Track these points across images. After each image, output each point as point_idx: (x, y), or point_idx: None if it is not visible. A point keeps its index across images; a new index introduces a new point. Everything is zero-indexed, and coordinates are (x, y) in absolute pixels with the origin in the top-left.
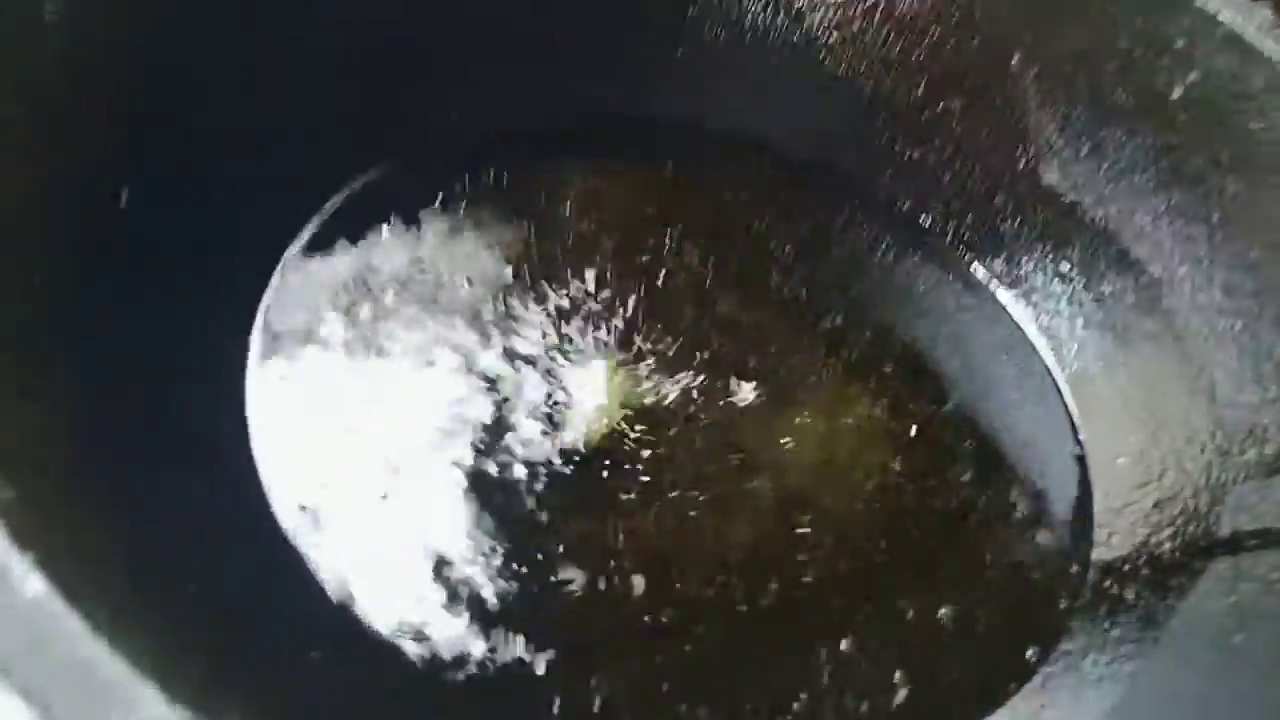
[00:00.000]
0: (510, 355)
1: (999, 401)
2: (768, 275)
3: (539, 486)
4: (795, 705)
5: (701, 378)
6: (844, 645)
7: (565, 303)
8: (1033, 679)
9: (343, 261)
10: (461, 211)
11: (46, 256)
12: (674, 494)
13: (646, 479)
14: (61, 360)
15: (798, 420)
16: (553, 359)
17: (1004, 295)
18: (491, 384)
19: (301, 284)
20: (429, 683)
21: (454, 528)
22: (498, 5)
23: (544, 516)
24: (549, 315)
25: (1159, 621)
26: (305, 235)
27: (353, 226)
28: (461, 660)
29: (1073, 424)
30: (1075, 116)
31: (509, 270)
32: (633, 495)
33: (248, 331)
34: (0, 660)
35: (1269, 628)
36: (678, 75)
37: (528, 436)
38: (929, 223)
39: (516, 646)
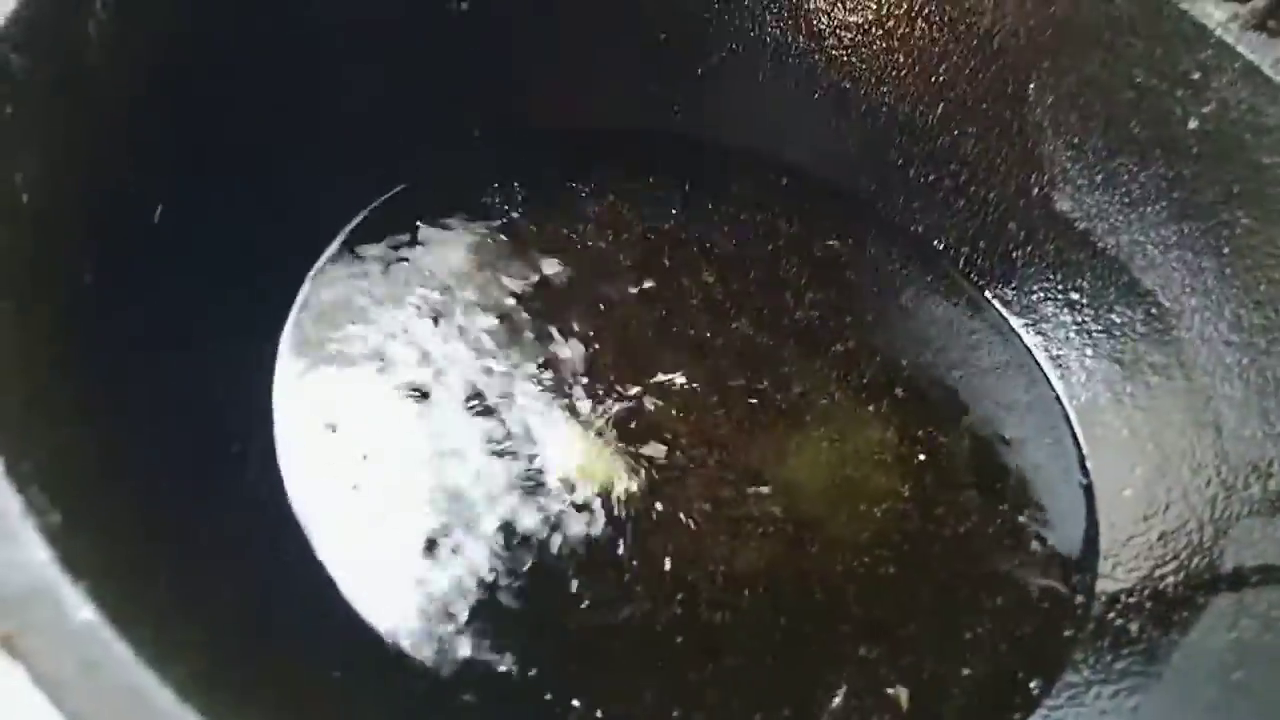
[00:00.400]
0: (524, 376)
1: (1007, 429)
2: (782, 297)
3: (555, 508)
4: None
5: (714, 399)
6: (848, 673)
7: (581, 319)
8: (1035, 711)
9: (368, 277)
10: (481, 229)
11: (80, 273)
12: (684, 517)
13: (652, 498)
14: (97, 378)
15: (808, 444)
16: (566, 378)
17: (1015, 323)
18: (506, 403)
19: (329, 298)
20: (445, 701)
21: (478, 548)
22: (517, 25)
23: (559, 538)
24: (564, 334)
25: (1162, 656)
26: (334, 248)
27: (377, 241)
28: (477, 680)
29: (1080, 454)
30: (1089, 145)
31: (524, 287)
32: (643, 517)
33: (276, 345)
34: (52, 684)
35: (1269, 665)
36: (697, 94)
37: (544, 460)
38: (942, 247)
39: (529, 670)
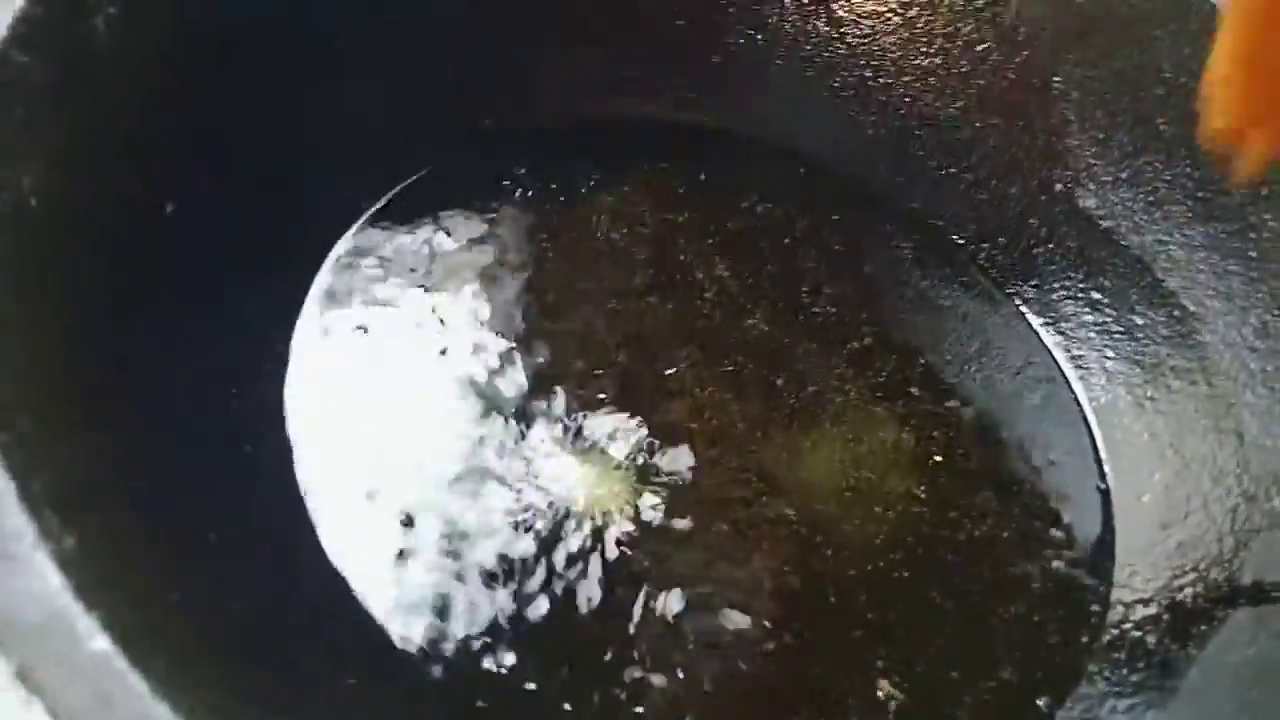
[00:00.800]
0: (533, 368)
1: (1025, 431)
2: (797, 291)
3: (564, 507)
4: None
5: (727, 396)
6: (860, 679)
7: (593, 311)
8: None
9: (383, 267)
10: (493, 218)
11: (89, 278)
12: (694, 518)
13: (665, 499)
14: (107, 387)
15: (822, 444)
16: (575, 372)
17: (1035, 321)
18: (517, 396)
19: (343, 289)
20: (462, 709)
21: (488, 546)
22: (531, 10)
23: (568, 542)
24: (574, 326)
25: (1179, 669)
26: (348, 239)
27: (391, 232)
28: (494, 690)
29: (1098, 458)
30: (1115, 141)
31: (536, 277)
32: (651, 519)
33: (289, 341)
34: (69, 716)
35: None
36: (713, 83)
37: (552, 453)
38: (963, 242)
39: (547, 680)
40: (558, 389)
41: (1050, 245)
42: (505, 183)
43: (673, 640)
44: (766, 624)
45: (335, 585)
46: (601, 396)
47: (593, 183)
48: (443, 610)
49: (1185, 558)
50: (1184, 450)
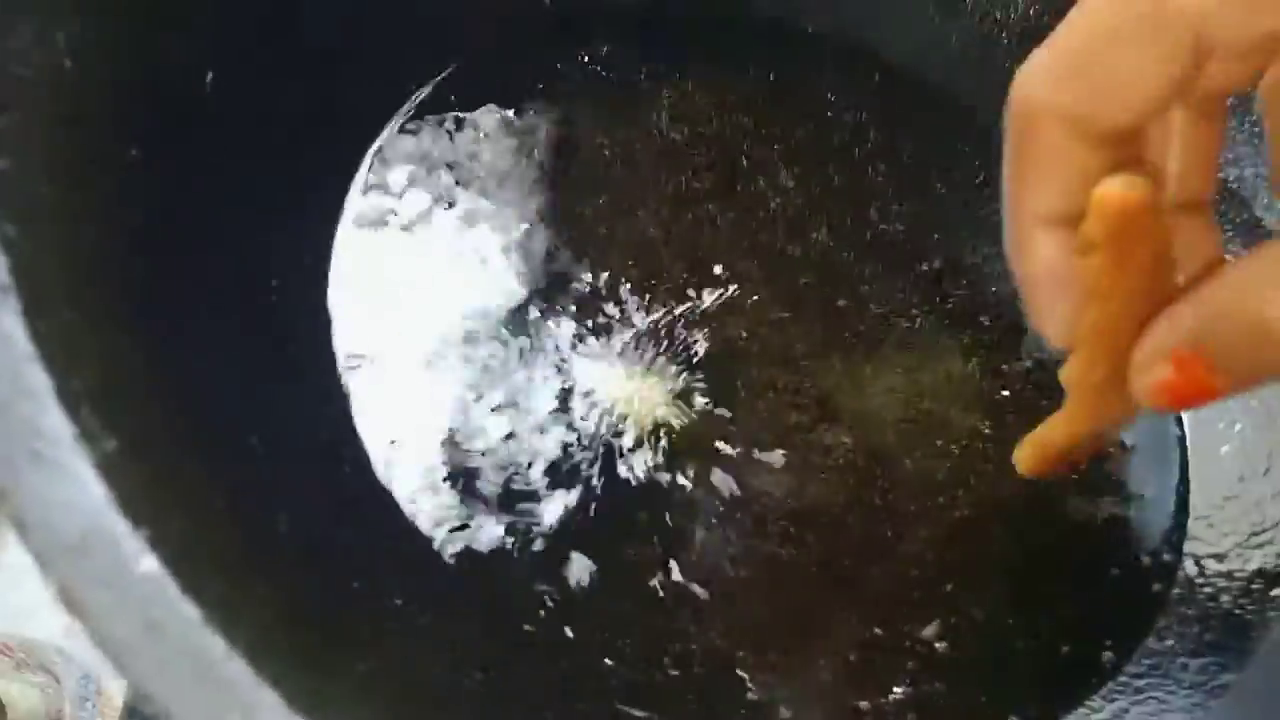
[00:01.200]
0: (581, 282)
1: None
2: (866, 207)
3: (611, 434)
4: (862, 682)
5: (786, 316)
6: (914, 621)
7: (648, 220)
8: (1115, 678)
9: (428, 156)
10: (544, 114)
11: (125, 149)
12: (748, 444)
13: (716, 421)
14: (145, 271)
15: (885, 371)
16: (627, 284)
17: None
18: (565, 305)
19: (389, 177)
20: (508, 628)
21: (534, 460)
22: None
23: (617, 467)
24: (627, 236)
25: (1255, 632)
26: (395, 122)
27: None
28: (541, 609)
29: None
30: None
31: (589, 180)
32: (705, 443)
33: (332, 234)
34: (116, 647)
35: None
36: None
37: (600, 367)
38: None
39: (593, 607)
40: (607, 300)
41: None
42: (560, 73)
43: (717, 566)
44: (817, 557)
45: (381, 498)
46: (653, 309)
47: (654, 77)
48: (488, 524)
49: (1263, 514)
50: (1269, 401)
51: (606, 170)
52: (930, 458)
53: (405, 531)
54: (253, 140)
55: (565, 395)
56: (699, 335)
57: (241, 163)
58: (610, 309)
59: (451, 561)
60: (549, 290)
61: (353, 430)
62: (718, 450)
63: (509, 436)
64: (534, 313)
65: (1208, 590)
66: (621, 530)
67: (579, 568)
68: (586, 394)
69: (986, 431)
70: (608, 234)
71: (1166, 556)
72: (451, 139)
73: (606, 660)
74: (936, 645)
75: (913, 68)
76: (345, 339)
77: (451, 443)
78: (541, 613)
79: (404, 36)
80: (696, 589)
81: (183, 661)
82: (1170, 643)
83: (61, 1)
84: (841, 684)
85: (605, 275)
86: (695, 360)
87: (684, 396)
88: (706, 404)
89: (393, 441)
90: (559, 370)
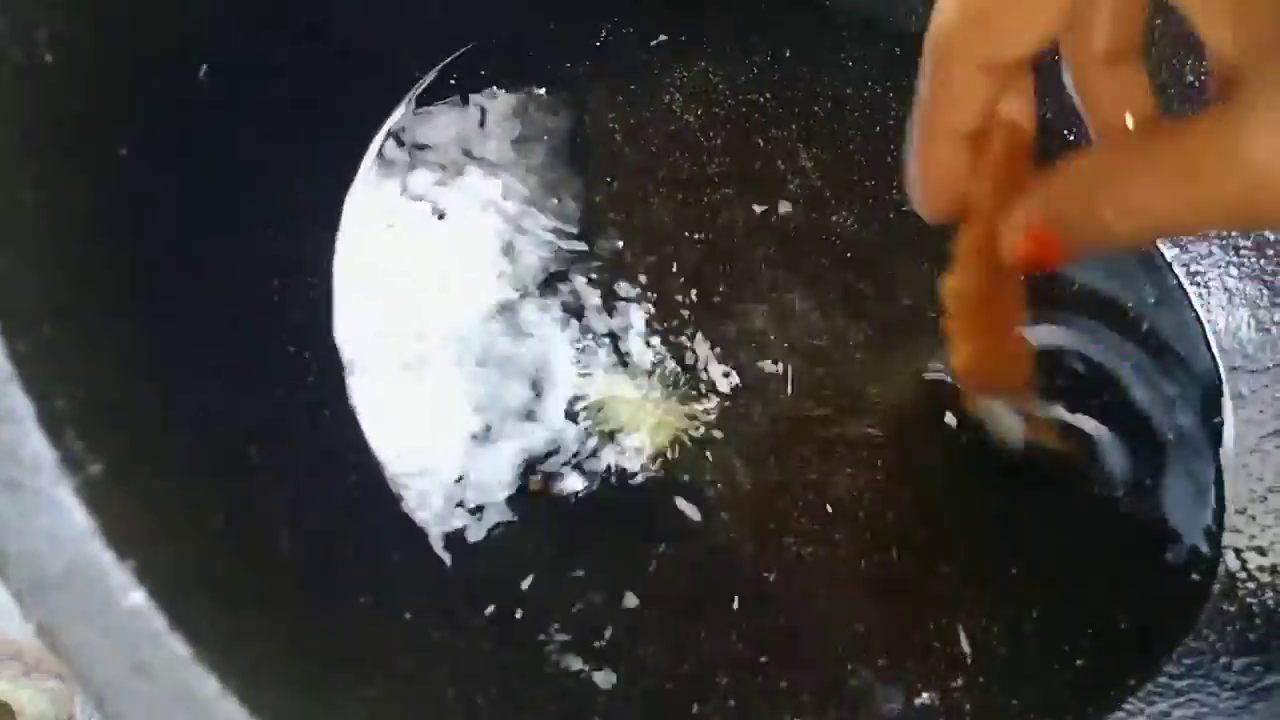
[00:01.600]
0: (591, 267)
1: (1132, 354)
2: (890, 188)
3: (621, 412)
4: (890, 682)
5: (809, 303)
6: (945, 620)
7: (661, 203)
8: (1154, 678)
9: (435, 140)
10: (551, 87)
11: (113, 148)
12: (770, 436)
13: (735, 413)
14: (134, 275)
15: (912, 360)
16: (639, 269)
17: None
18: (575, 294)
19: (393, 169)
20: (523, 646)
21: (548, 462)
22: None
23: (639, 455)
24: (639, 221)
25: None
26: (399, 111)
27: (445, 105)
28: (553, 623)
29: (1216, 388)
30: None
31: (597, 162)
32: (725, 436)
33: (335, 230)
34: (99, 689)
35: None
36: None
37: (612, 358)
38: (1073, 138)
39: (611, 610)
40: (620, 287)
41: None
42: (572, 51)
43: (739, 569)
44: (843, 555)
45: (389, 507)
46: (668, 298)
47: (667, 54)
48: (500, 533)
49: None
50: None
51: (618, 154)
52: (960, 450)
53: (415, 541)
54: (250, 136)
55: (581, 396)
56: (716, 326)
57: (239, 160)
58: (625, 299)
59: (464, 573)
60: (562, 284)
61: (360, 437)
62: (735, 445)
63: (523, 441)
64: (547, 309)
65: (1250, 585)
66: (643, 534)
67: (596, 574)
68: (602, 393)
69: None
70: (620, 220)
71: (1205, 550)
72: (458, 127)
73: (625, 670)
74: (965, 647)
75: None
76: (350, 341)
77: (463, 448)
78: (557, 624)
79: (406, 22)
80: (720, 594)
81: (173, 705)
82: (1211, 641)
83: None
84: (868, 688)
85: (614, 263)
86: (710, 352)
87: (697, 389)
88: (721, 396)
89: (402, 447)
90: (575, 366)
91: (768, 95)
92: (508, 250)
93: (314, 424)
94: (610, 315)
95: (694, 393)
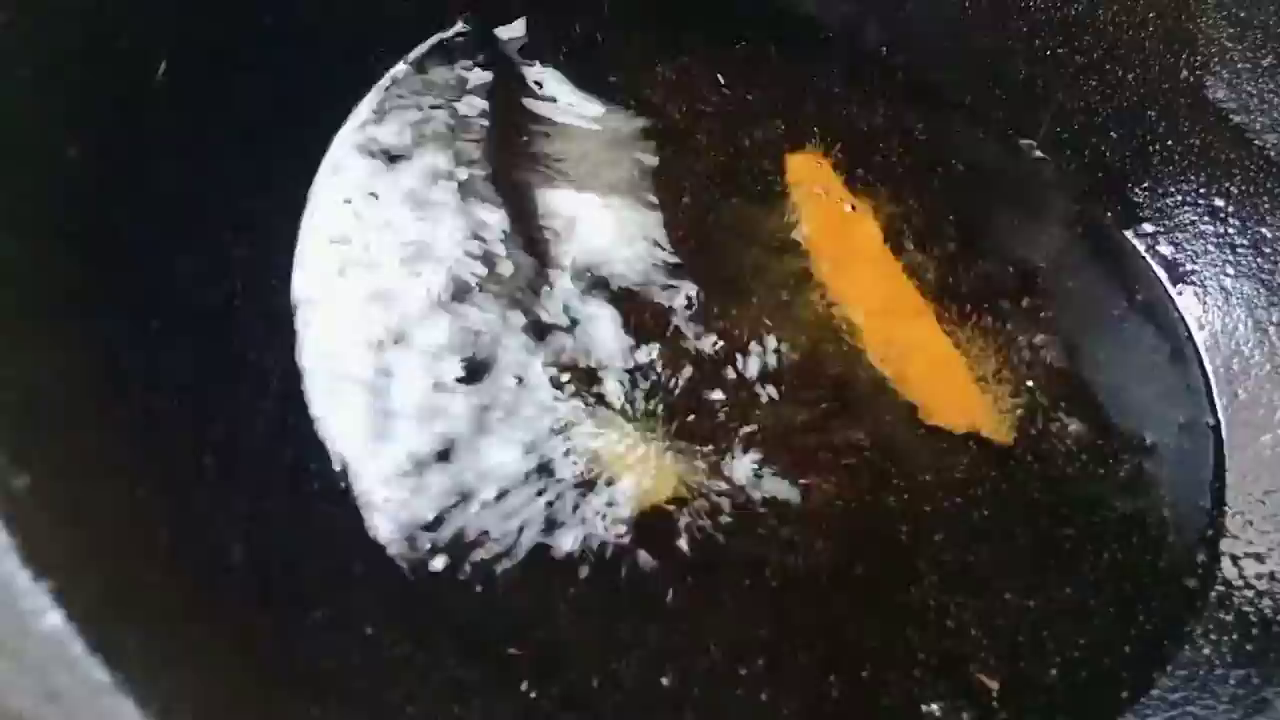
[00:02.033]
0: (572, 258)
1: (1126, 357)
2: (873, 192)
3: (602, 418)
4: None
5: (794, 307)
6: (931, 631)
7: (652, 202)
8: (1148, 692)
9: (399, 139)
10: (524, 80)
11: (63, 148)
12: (755, 441)
13: (726, 424)
14: (83, 279)
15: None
16: (622, 260)
17: (1145, 229)
18: (553, 294)
19: (354, 177)
20: (488, 656)
21: (523, 481)
22: None
23: (621, 463)
24: (624, 211)
25: None
26: (370, 101)
27: (420, 96)
28: (522, 639)
29: (1209, 389)
30: (1257, 21)
31: (578, 158)
32: (711, 439)
33: (296, 231)
34: (10, 717)
35: None
36: None
37: (596, 359)
38: (1066, 136)
39: (583, 625)
40: (601, 285)
41: (1168, 142)
42: (554, 44)
43: (721, 581)
44: (829, 563)
45: (349, 518)
46: (653, 298)
47: (654, 54)
48: (466, 543)
49: None
50: None
51: (599, 154)
52: (946, 454)
53: (376, 554)
54: (210, 136)
55: (556, 400)
56: (705, 325)
57: (197, 160)
58: (601, 296)
59: (427, 585)
60: (533, 291)
61: (321, 448)
62: (720, 448)
63: (491, 453)
64: (518, 316)
65: (1247, 594)
66: (614, 547)
67: (567, 582)
68: (577, 397)
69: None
70: (596, 222)
71: (1201, 557)
72: (423, 125)
73: (596, 682)
74: (955, 661)
75: (925, 33)
76: (311, 345)
77: (428, 458)
78: (526, 636)
79: (370, 15)
80: (691, 602)
81: None
82: (1207, 652)
83: None
84: (865, 702)
85: (594, 259)
86: (699, 352)
87: (686, 398)
88: (707, 398)
89: (365, 458)
90: (548, 378)
91: (753, 94)
92: (481, 255)
93: (275, 434)
94: (579, 325)
95: (680, 400)
